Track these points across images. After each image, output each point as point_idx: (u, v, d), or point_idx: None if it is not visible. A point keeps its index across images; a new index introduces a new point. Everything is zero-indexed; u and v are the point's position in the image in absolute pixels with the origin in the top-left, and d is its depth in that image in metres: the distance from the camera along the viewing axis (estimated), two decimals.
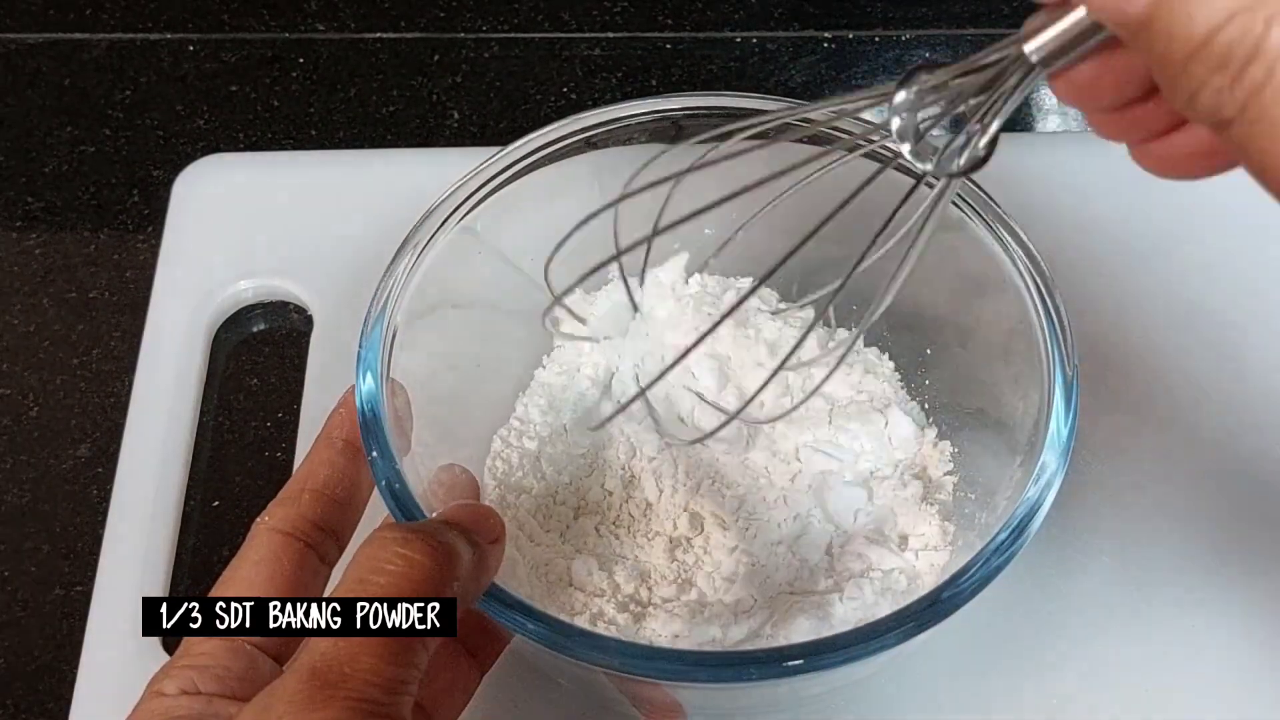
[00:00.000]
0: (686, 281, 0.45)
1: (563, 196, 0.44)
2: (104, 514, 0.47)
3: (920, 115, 0.31)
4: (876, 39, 0.61)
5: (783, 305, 0.46)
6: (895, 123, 0.32)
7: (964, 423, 0.43)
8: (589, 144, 0.43)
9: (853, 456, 0.43)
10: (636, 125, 0.43)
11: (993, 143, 0.31)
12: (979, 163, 0.32)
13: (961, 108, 0.31)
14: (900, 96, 0.31)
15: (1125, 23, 0.26)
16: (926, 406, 0.45)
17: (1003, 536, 0.35)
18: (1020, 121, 0.59)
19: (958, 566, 0.35)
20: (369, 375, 0.38)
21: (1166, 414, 0.47)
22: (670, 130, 0.44)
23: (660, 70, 0.60)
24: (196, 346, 0.49)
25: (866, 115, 0.38)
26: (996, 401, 0.41)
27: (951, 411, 0.44)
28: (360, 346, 0.39)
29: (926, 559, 0.41)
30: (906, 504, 0.42)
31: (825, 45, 0.61)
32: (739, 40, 0.61)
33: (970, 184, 0.41)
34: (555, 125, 0.43)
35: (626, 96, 0.59)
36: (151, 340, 0.49)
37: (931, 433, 0.43)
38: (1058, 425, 0.37)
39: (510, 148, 0.43)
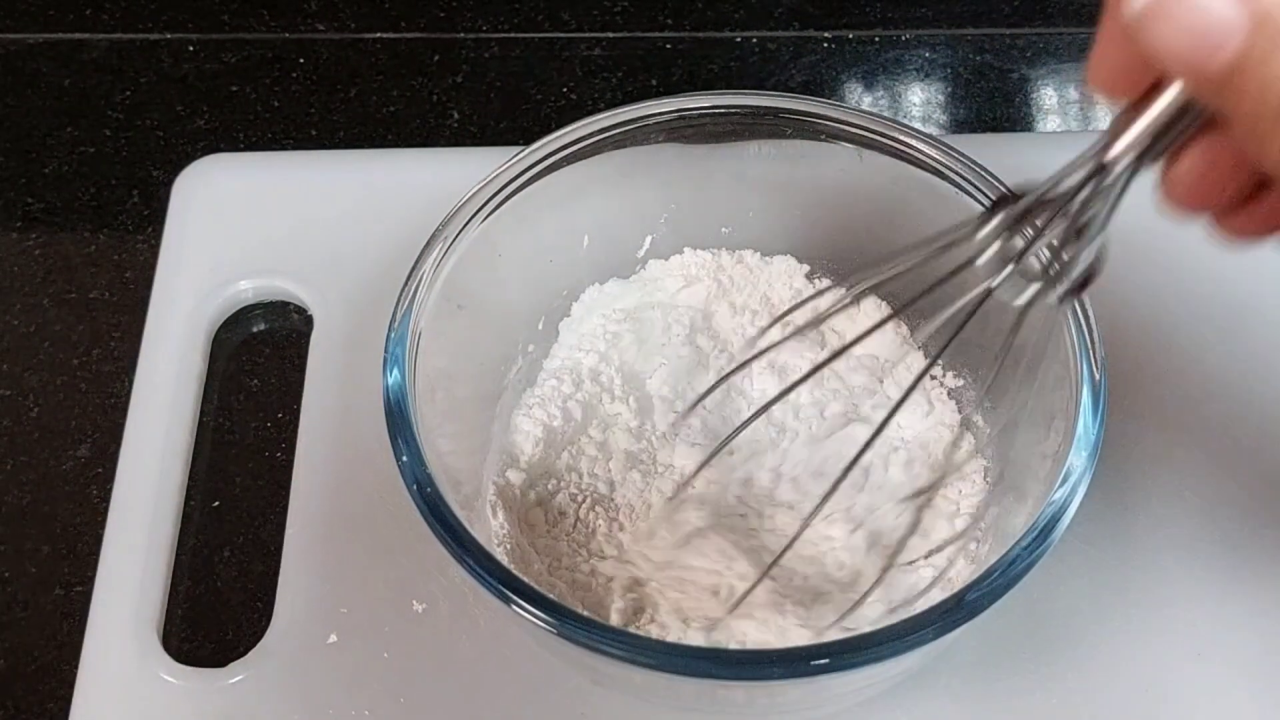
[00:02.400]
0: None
1: (585, 196, 0.44)
2: (104, 514, 0.46)
3: (1010, 244, 0.30)
4: (876, 39, 0.61)
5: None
6: (984, 258, 0.30)
7: (996, 424, 0.44)
8: (611, 144, 0.43)
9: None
10: (656, 125, 0.44)
11: (1097, 259, 0.30)
12: (1083, 283, 0.30)
13: (1051, 232, 0.29)
14: (983, 233, 0.30)
15: (1209, 81, 0.24)
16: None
17: (1030, 537, 0.35)
18: (1020, 121, 0.59)
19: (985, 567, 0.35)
20: (395, 370, 0.38)
21: (1178, 418, 0.47)
22: (689, 130, 0.44)
23: (660, 70, 0.60)
24: (196, 347, 0.49)
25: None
26: (1026, 399, 0.42)
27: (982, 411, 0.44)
28: (387, 343, 0.39)
29: (952, 556, 0.41)
30: (936, 505, 0.42)
31: (825, 45, 0.61)
32: (739, 40, 0.61)
33: (997, 183, 0.41)
34: (578, 125, 0.43)
35: (627, 96, 0.59)
36: (151, 340, 0.49)
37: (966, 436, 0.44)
38: (1085, 426, 0.37)
39: (535, 146, 0.43)
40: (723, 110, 0.44)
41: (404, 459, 0.37)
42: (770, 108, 0.44)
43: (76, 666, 0.43)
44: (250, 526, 0.46)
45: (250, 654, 0.42)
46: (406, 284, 0.40)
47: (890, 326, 0.46)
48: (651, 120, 0.44)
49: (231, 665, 0.42)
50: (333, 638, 0.42)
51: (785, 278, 0.47)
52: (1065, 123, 0.59)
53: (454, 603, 0.43)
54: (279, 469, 0.47)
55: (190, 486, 0.46)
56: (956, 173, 0.42)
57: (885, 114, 0.48)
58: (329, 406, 0.47)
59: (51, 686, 0.44)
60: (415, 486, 0.36)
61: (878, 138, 0.43)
